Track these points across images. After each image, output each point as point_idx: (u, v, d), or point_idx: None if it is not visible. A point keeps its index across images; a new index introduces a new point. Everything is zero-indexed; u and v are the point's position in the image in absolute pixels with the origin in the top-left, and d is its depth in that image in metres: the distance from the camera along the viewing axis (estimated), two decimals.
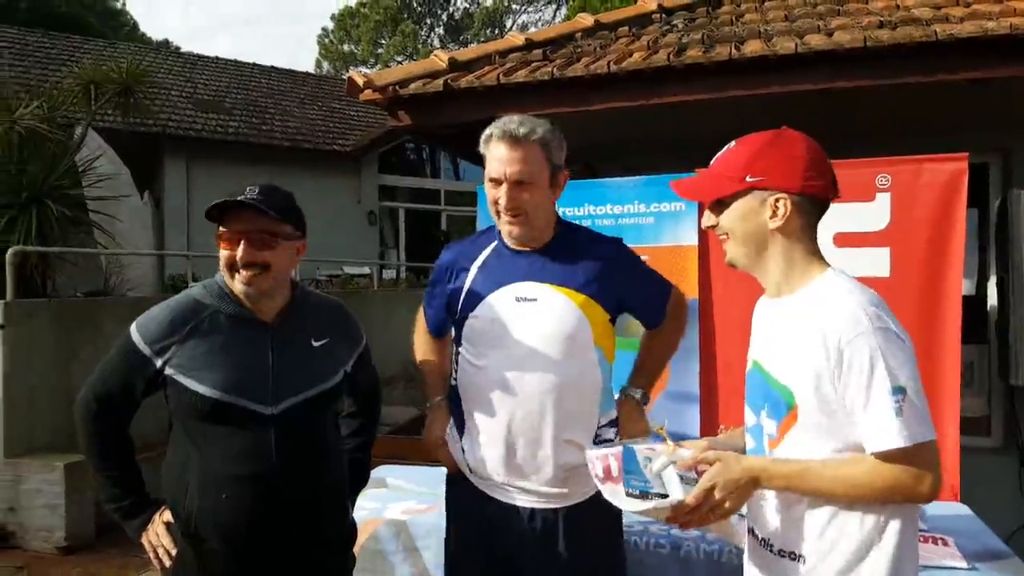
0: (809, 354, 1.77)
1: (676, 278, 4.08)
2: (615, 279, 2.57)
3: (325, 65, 37.82)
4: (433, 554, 3.15)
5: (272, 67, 20.88)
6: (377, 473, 3.82)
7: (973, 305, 4.88)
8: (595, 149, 5.80)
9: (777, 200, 1.84)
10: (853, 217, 3.77)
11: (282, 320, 2.40)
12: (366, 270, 15.04)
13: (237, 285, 2.31)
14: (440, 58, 5.61)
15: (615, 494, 1.93)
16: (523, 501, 2.55)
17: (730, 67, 4.66)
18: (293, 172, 14.78)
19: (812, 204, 1.88)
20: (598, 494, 2.00)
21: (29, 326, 6.72)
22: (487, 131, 2.53)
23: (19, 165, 8.08)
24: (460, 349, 2.64)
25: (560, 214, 2.70)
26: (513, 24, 37.31)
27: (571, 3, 23.42)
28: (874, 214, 3.81)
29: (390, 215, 18.93)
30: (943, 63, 4.34)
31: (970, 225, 4.06)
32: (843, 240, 3.77)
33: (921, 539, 2.96)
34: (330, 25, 38.56)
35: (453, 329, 2.70)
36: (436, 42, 37.39)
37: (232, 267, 2.29)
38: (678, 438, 2.07)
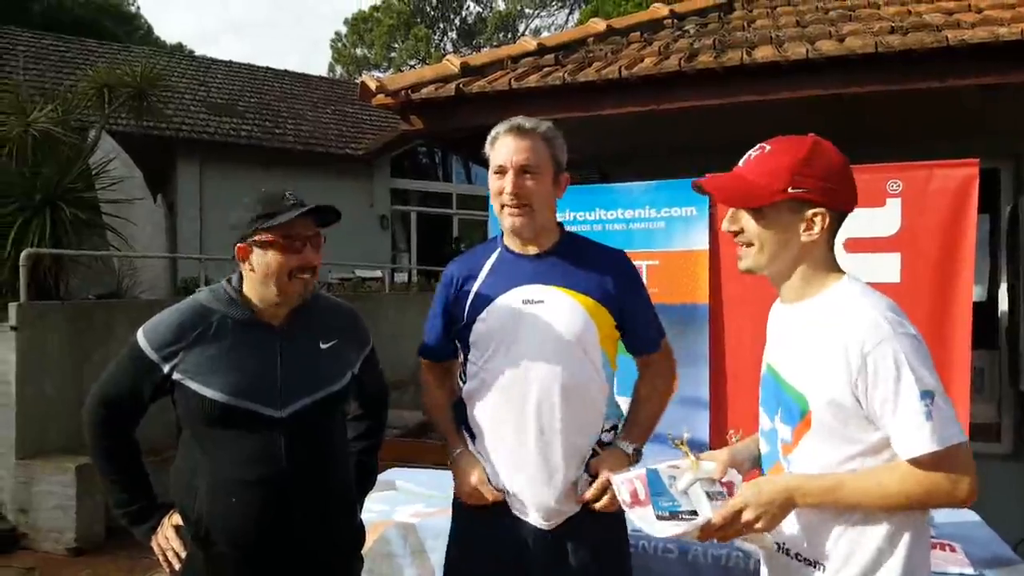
0: (825, 362, 1.76)
1: (687, 283, 4.13)
2: (620, 288, 2.57)
3: (338, 69, 37.96)
4: (441, 557, 3.14)
5: (285, 71, 20.95)
6: (386, 476, 3.83)
7: (984, 311, 4.87)
8: (606, 154, 5.82)
9: (815, 214, 1.82)
10: (864, 222, 3.74)
11: (290, 323, 2.41)
12: (378, 273, 15.05)
13: (294, 292, 2.32)
14: (452, 63, 5.63)
15: (644, 519, 1.93)
16: (531, 508, 2.54)
17: (741, 72, 4.67)
18: (306, 176, 14.84)
19: (841, 217, 1.88)
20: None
21: (42, 328, 6.77)
22: (493, 132, 2.56)
23: (33, 168, 8.14)
24: (468, 356, 2.64)
25: (566, 221, 2.71)
26: (526, 28, 37.37)
27: (584, 8, 23.44)
28: (885, 219, 3.80)
29: (402, 219, 18.96)
30: (954, 69, 4.33)
31: (981, 231, 4.05)
32: (854, 245, 3.76)
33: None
34: (343, 29, 38.74)
35: (459, 340, 2.68)
36: (449, 46, 37.48)
37: (291, 273, 2.29)
38: (695, 451, 2.06)
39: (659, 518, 1.89)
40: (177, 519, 2.35)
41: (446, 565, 2.74)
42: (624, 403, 2.78)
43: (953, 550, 2.95)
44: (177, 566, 2.34)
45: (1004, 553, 3.00)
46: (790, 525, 1.88)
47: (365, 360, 2.62)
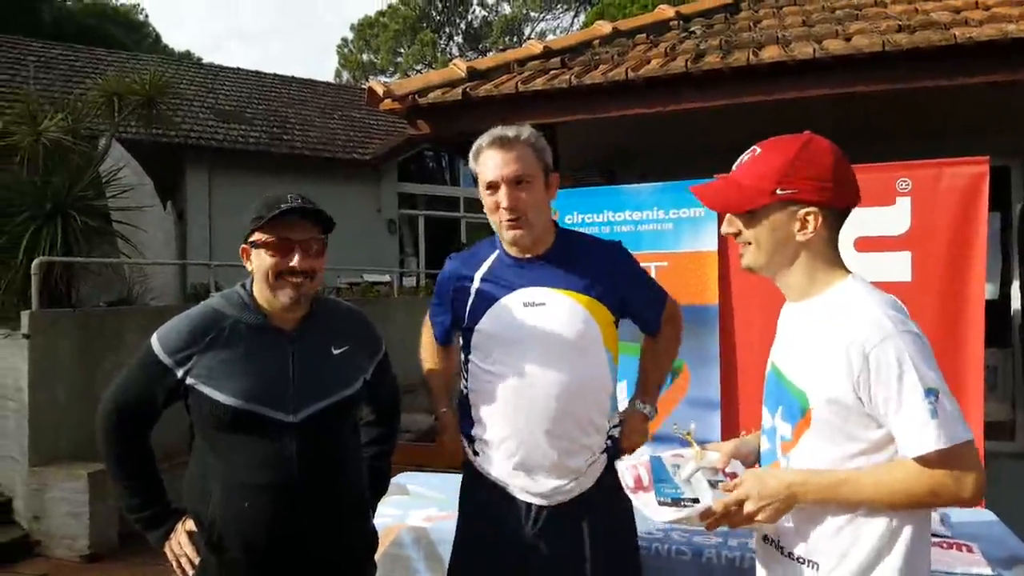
0: (827, 360, 1.76)
1: (696, 284, 4.13)
2: (617, 280, 2.60)
3: (345, 75, 37.97)
4: None
5: (292, 77, 20.98)
6: (398, 480, 3.83)
7: (997, 309, 4.85)
8: (614, 156, 5.82)
9: (807, 214, 1.82)
10: (874, 221, 3.75)
11: (302, 328, 2.41)
12: (386, 278, 15.06)
13: (283, 294, 2.31)
14: (459, 67, 5.65)
15: (647, 504, 1.95)
16: (534, 501, 2.56)
17: (748, 73, 4.67)
18: (314, 181, 14.85)
19: (839, 214, 1.87)
20: (607, 490, 2.01)
21: (54, 336, 6.80)
22: (474, 146, 2.58)
23: (44, 177, 8.18)
24: (470, 357, 2.66)
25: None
26: (532, 32, 37.31)
27: (589, 10, 23.44)
28: (895, 218, 3.79)
29: (410, 223, 18.98)
30: (962, 67, 4.32)
31: (992, 229, 4.04)
32: (864, 244, 3.76)
33: (945, 545, 2.94)
34: (350, 35, 38.77)
35: (460, 338, 2.71)
36: (455, 50, 37.46)
37: (279, 275, 2.30)
38: (701, 443, 2.08)
39: (661, 503, 1.90)
40: (190, 524, 2.35)
41: (454, 546, 2.78)
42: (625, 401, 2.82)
43: (970, 550, 2.92)
44: (191, 572, 2.34)
45: (1021, 552, 2.98)
46: (786, 521, 1.87)
47: (378, 365, 2.62)
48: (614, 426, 2.65)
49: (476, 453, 2.66)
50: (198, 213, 14.73)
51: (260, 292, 2.36)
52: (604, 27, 6.38)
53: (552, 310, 2.52)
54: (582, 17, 32.61)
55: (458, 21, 38.77)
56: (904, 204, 3.78)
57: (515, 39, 35.99)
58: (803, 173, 1.81)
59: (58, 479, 6.45)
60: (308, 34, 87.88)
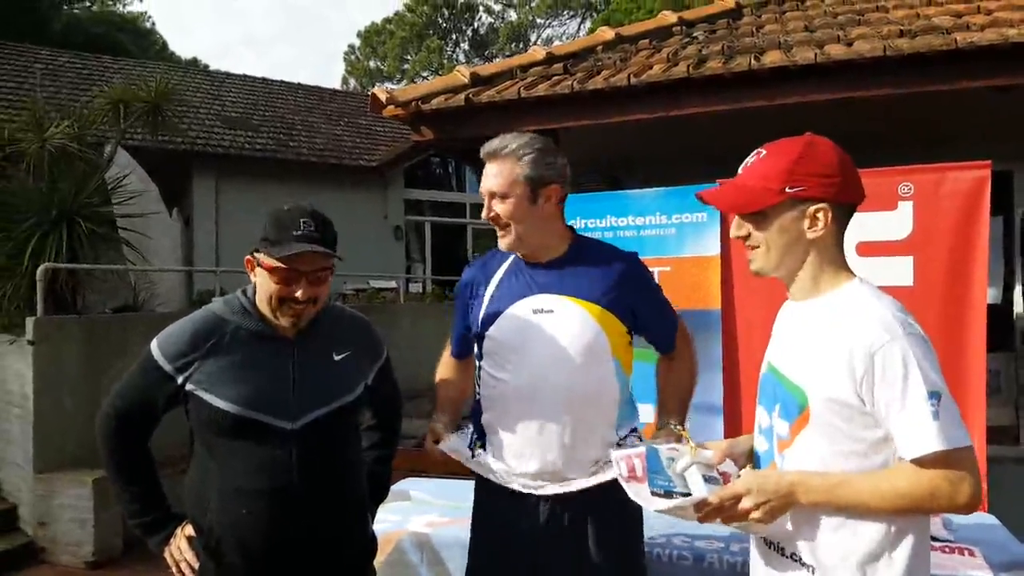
0: (830, 359, 1.76)
1: (698, 289, 4.13)
2: (630, 291, 2.58)
3: (351, 82, 38.06)
4: (457, 566, 3.15)
5: (299, 84, 21.01)
6: (400, 486, 3.83)
7: (999, 314, 4.84)
8: (616, 161, 5.83)
9: (818, 210, 1.83)
10: (876, 226, 3.75)
11: (303, 334, 2.40)
12: (392, 284, 15.07)
13: (283, 319, 2.32)
14: (462, 73, 5.66)
15: (639, 493, 1.96)
16: (543, 505, 2.56)
17: (750, 78, 4.68)
18: (320, 188, 14.88)
19: (846, 211, 1.88)
20: (617, 496, 2.01)
21: (59, 342, 6.82)
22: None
23: (50, 183, 8.21)
24: (481, 363, 2.66)
25: (575, 227, 2.72)
26: (537, 38, 37.38)
27: (595, 17, 23.47)
28: (897, 223, 3.79)
29: (416, 229, 18.98)
30: (964, 71, 4.33)
31: (994, 233, 4.03)
32: (866, 249, 3.75)
33: (947, 550, 2.93)
34: (356, 42, 38.88)
35: (476, 347, 2.71)
36: (461, 57, 37.53)
37: (282, 301, 2.29)
38: (697, 443, 2.08)
39: (653, 494, 1.91)
40: (190, 530, 2.35)
41: (470, 555, 2.76)
42: (643, 408, 2.81)
43: (972, 554, 2.91)
44: None
45: (1023, 556, 2.97)
46: (784, 521, 1.87)
47: (379, 371, 2.62)
48: (623, 437, 2.64)
49: (491, 456, 2.67)
50: (205, 219, 14.76)
51: (262, 304, 2.36)
52: (607, 33, 6.40)
53: (560, 317, 2.52)
54: (588, 24, 32.69)
55: (465, 28, 38.86)
56: (906, 209, 3.78)
57: (521, 46, 36.04)
58: (810, 170, 1.83)
59: (63, 486, 6.46)
60: (315, 41, 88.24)
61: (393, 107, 5.47)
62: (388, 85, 32.56)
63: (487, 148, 2.55)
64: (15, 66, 15.14)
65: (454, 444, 2.71)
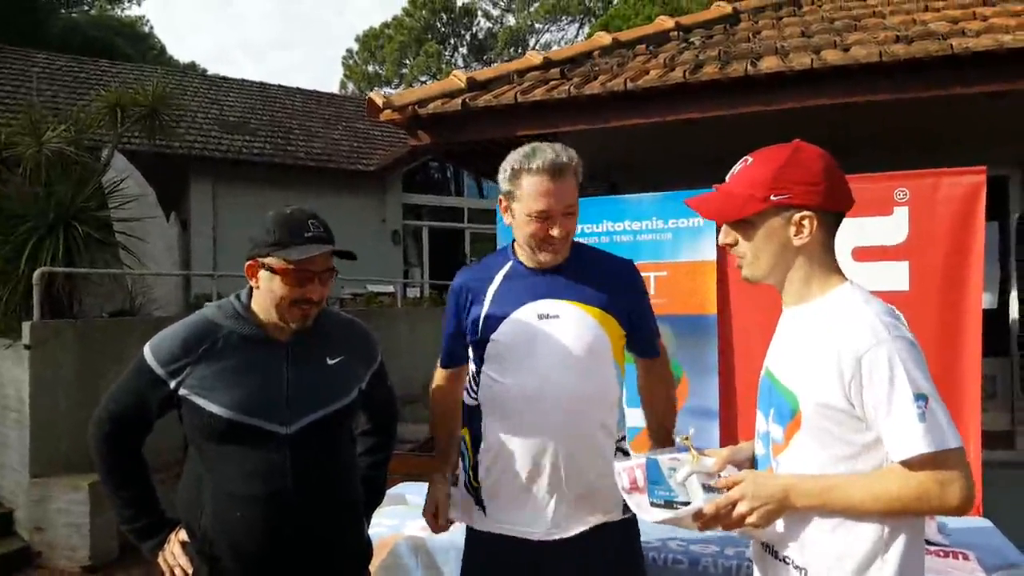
0: (819, 363, 1.77)
1: (695, 294, 4.14)
2: (627, 295, 2.61)
3: (350, 86, 38.12)
4: (452, 570, 3.15)
5: (297, 88, 21.03)
6: (396, 490, 3.83)
7: (995, 318, 4.85)
8: (613, 165, 5.83)
9: (803, 218, 1.83)
10: (871, 231, 3.76)
11: (297, 339, 2.40)
12: (390, 288, 15.06)
13: (294, 321, 2.32)
14: (459, 78, 5.67)
15: (639, 505, 1.98)
16: (539, 528, 2.55)
17: (746, 83, 4.68)
18: (318, 192, 14.90)
19: (833, 217, 1.88)
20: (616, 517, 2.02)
21: (55, 346, 6.81)
22: (516, 165, 2.49)
23: (47, 187, 8.20)
24: (483, 369, 2.64)
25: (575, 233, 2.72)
26: (536, 43, 37.45)
27: (594, 22, 23.51)
28: (892, 228, 3.80)
29: (414, 233, 19.00)
30: (960, 77, 4.34)
31: (990, 238, 4.04)
32: (862, 254, 3.76)
33: (942, 554, 2.94)
34: (355, 47, 38.93)
35: (472, 352, 2.69)
36: (460, 62, 37.61)
37: (294, 303, 2.29)
38: (698, 450, 2.09)
39: (653, 504, 1.92)
40: (183, 535, 2.35)
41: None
42: (630, 413, 2.81)
43: (966, 558, 2.93)
44: None
45: (1018, 560, 2.98)
46: (778, 525, 1.88)
47: (374, 375, 2.62)
48: (621, 438, 2.66)
49: (480, 464, 2.66)
50: (202, 224, 14.77)
51: (263, 309, 2.35)
52: (604, 38, 6.40)
53: (566, 322, 2.52)
54: (587, 29, 32.74)
55: (463, 33, 38.93)
56: (902, 214, 3.79)
57: (520, 50, 36.11)
58: (795, 178, 1.83)
59: (59, 490, 6.46)
60: (313, 46, 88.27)
61: (389, 111, 5.47)
62: (386, 89, 32.62)
63: (548, 162, 2.43)
64: (12, 70, 15.16)
65: (459, 515, 2.75)
